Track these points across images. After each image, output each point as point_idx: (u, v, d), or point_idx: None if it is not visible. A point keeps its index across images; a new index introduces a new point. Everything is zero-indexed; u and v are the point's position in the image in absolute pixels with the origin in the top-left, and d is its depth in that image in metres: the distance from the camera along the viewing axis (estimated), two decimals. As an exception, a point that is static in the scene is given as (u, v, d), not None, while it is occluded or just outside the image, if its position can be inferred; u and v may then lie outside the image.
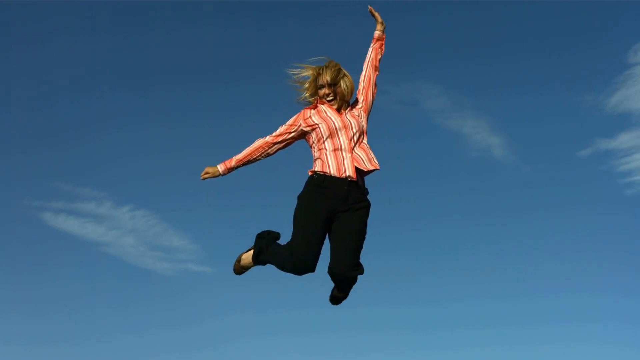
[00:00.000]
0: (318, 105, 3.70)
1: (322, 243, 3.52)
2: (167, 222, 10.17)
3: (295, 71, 3.74)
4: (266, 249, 3.64)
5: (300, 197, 3.58)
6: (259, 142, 3.70)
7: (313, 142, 3.65)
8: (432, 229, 10.16)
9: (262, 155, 3.70)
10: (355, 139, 3.60)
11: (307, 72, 3.71)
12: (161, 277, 9.92)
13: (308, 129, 3.64)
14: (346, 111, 3.68)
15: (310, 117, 3.64)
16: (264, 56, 10.81)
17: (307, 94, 3.73)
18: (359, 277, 3.57)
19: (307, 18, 11.03)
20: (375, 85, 3.82)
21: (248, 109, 10.70)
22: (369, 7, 3.89)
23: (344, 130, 3.58)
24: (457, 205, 10.33)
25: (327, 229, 3.54)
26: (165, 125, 10.70)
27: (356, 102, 3.77)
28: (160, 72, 10.81)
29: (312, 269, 3.50)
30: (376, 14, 3.89)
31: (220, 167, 3.70)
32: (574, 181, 10.31)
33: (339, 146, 3.56)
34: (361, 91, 3.78)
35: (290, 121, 3.69)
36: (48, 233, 10.00)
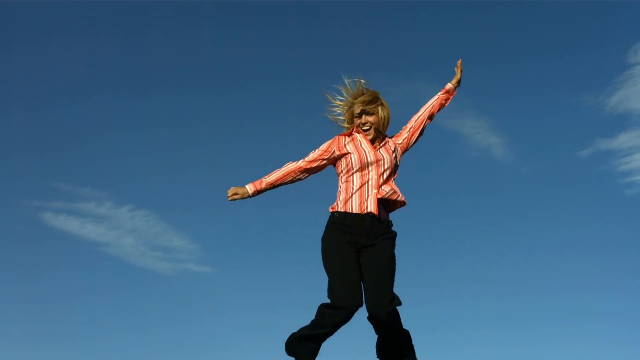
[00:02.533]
0: (354, 133, 3.59)
1: (359, 276, 3.37)
2: (167, 222, 10.16)
3: (333, 98, 3.65)
4: (299, 332, 3.42)
5: (323, 239, 3.46)
6: (290, 167, 3.55)
7: (342, 170, 3.53)
8: (431, 229, 10.15)
9: (293, 180, 3.56)
10: (385, 176, 3.49)
11: (344, 100, 3.62)
12: (161, 277, 9.92)
13: (341, 156, 3.52)
14: (381, 143, 3.57)
15: (345, 145, 3.53)
16: (264, 56, 10.81)
17: (342, 119, 3.64)
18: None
19: (307, 18, 11.03)
20: (423, 132, 3.73)
21: (248, 109, 10.70)
22: (460, 60, 3.84)
23: (375, 164, 3.47)
24: (457, 205, 10.33)
25: (358, 263, 3.38)
26: (165, 125, 10.68)
27: (397, 136, 3.68)
28: (160, 72, 10.80)
29: (361, 303, 3.32)
30: (459, 70, 3.83)
31: (250, 189, 3.51)
32: (574, 181, 10.30)
33: (367, 181, 3.45)
34: (408, 129, 3.70)
35: (324, 147, 3.57)
36: (48, 233, 10.00)
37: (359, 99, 3.55)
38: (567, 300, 9.31)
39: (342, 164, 3.52)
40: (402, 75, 10.66)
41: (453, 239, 10.01)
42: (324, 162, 3.55)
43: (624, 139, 10.00)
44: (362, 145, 3.52)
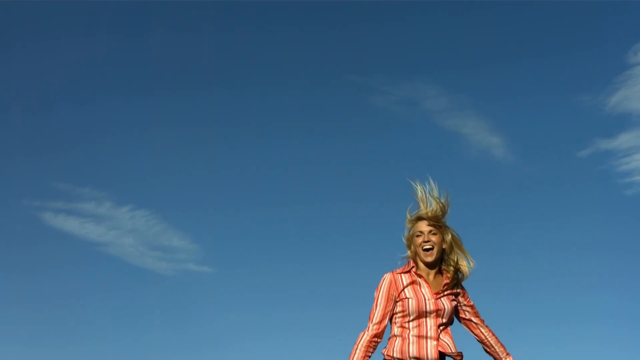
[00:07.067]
0: (412, 272, 3.22)
1: None
2: (167, 222, 10.18)
3: (425, 193, 3.21)
4: None
5: None
6: (366, 340, 3.13)
7: (397, 312, 3.18)
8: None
9: (374, 350, 3.16)
10: (442, 327, 3.16)
11: (410, 223, 3.26)
12: (161, 277, 9.94)
13: (398, 300, 3.17)
14: (446, 289, 3.22)
15: (403, 289, 3.17)
16: (264, 56, 10.83)
17: (405, 241, 3.28)
18: None
19: (307, 18, 11.04)
20: (465, 319, 3.35)
21: (248, 109, 10.71)
22: None
23: (434, 314, 3.14)
24: (457, 205, 10.33)
25: None
26: (165, 125, 10.71)
27: (466, 296, 3.32)
28: (160, 72, 10.81)
29: None
30: None
31: None
32: (574, 181, 10.31)
33: (425, 332, 3.13)
34: (471, 309, 3.32)
35: (384, 297, 3.18)
36: (48, 233, 10.03)
37: (426, 211, 3.21)
38: (567, 300, 9.33)
39: (399, 306, 3.18)
40: (402, 75, 10.69)
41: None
42: (391, 313, 3.19)
43: (624, 139, 10.02)
44: (422, 290, 3.19)
